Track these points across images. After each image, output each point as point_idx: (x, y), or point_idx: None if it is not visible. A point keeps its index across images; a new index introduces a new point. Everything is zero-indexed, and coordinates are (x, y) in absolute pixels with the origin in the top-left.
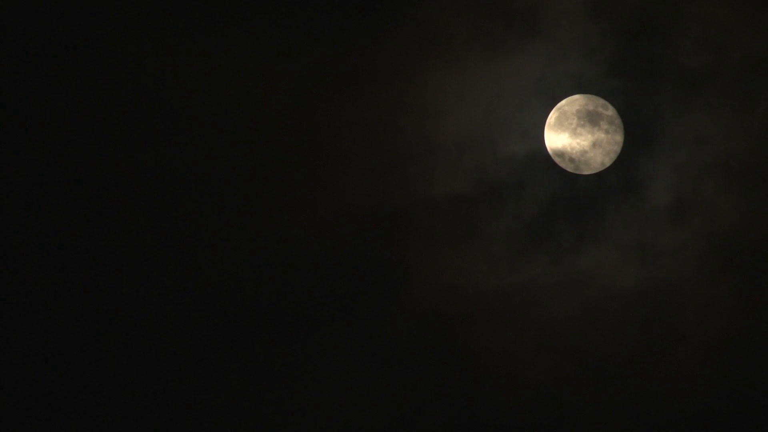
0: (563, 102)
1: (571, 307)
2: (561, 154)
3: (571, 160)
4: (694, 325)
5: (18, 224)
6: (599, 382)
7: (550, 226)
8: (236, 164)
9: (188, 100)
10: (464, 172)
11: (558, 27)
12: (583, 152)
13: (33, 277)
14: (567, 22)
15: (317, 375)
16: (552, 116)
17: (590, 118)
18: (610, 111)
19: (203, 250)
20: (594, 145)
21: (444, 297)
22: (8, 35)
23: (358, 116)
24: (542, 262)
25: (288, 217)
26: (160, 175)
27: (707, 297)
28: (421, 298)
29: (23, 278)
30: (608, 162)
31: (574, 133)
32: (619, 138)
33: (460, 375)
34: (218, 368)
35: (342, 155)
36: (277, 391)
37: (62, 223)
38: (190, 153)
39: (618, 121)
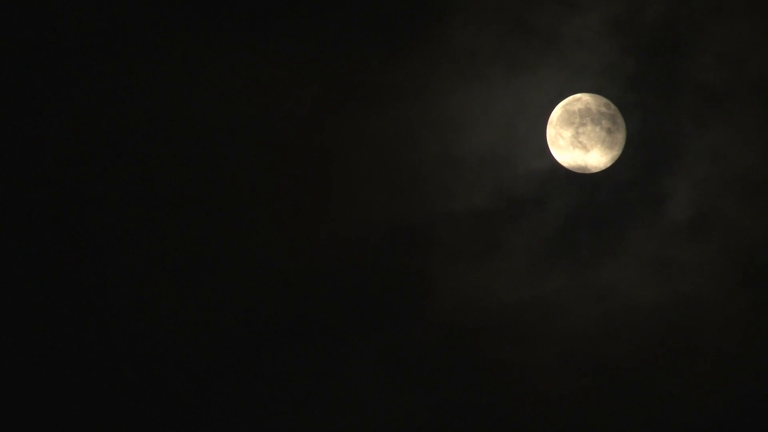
0: (565, 101)
1: (590, 321)
2: (563, 153)
3: (574, 159)
4: (713, 339)
5: (43, 237)
6: (618, 394)
7: (570, 240)
8: (259, 179)
9: (213, 115)
10: (485, 187)
11: (578, 43)
12: (585, 152)
13: (65, 293)
14: (587, 39)
15: (339, 387)
16: (554, 115)
17: (592, 117)
18: (612, 110)
19: (227, 265)
20: (596, 144)
21: (465, 310)
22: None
23: (379, 131)
24: (562, 276)
25: (311, 231)
26: (187, 191)
27: (726, 311)
28: (442, 311)
29: (54, 292)
30: (610, 161)
31: (576, 132)
32: (620, 136)
33: (481, 386)
34: (243, 380)
35: (364, 170)
36: (300, 403)
37: (84, 238)
38: (213, 169)
39: (620, 119)
